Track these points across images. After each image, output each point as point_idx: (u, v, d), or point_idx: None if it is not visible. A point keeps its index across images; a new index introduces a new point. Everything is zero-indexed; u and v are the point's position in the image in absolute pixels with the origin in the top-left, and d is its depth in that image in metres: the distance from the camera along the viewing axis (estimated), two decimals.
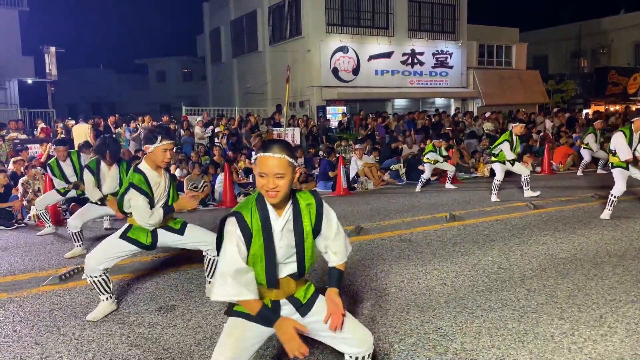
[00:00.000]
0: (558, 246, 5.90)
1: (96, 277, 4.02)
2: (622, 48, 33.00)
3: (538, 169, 13.85)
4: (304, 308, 2.49)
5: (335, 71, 20.83)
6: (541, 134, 16.90)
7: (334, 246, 2.50)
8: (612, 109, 26.40)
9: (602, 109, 26.68)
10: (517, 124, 9.41)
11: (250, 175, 11.36)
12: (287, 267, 2.44)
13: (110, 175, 6.05)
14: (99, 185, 6.02)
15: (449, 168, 10.96)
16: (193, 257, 5.79)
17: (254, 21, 23.82)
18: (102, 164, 6.04)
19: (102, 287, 4.07)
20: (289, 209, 2.39)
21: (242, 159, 12.11)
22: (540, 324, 3.72)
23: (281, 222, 2.38)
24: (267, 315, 2.34)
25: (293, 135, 14.17)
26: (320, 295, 2.55)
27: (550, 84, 27.95)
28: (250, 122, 15.05)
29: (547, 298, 4.24)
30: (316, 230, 2.45)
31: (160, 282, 4.97)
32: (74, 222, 6.01)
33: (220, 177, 10.11)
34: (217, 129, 14.55)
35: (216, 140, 14.08)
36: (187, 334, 3.72)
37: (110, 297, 4.15)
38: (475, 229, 6.90)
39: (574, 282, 4.63)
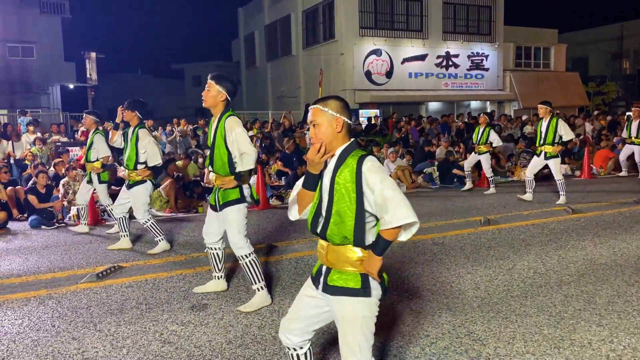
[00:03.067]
0: (597, 251, 5.71)
1: (247, 256, 4.26)
2: None
3: (577, 172, 13.46)
4: (324, 287, 2.40)
5: (368, 74, 20.78)
6: (581, 137, 16.43)
7: (379, 210, 2.22)
8: None
9: None
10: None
11: (283, 178, 11.43)
12: (320, 226, 2.40)
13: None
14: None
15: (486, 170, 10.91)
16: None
17: (288, 25, 24.01)
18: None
19: (255, 271, 4.24)
20: (332, 162, 2.34)
21: (274, 161, 12.20)
22: (578, 330, 3.61)
23: (326, 174, 2.36)
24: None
25: None
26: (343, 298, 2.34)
27: (591, 86, 27.17)
28: (283, 125, 15.15)
29: (585, 304, 4.10)
30: (359, 194, 2.23)
31: (194, 281, 5.04)
32: (119, 209, 6.26)
33: (253, 180, 10.20)
34: (250, 133, 14.71)
35: None
36: (218, 332, 3.76)
37: (263, 287, 4.25)
38: (511, 233, 6.75)
39: (614, 288, 4.47)
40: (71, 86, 23.93)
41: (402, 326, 3.76)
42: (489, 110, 22.86)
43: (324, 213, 2.35)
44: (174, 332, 3.79)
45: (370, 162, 2.26)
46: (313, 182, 2.39)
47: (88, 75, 22.01)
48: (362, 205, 2.25)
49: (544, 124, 8.89)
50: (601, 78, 28.72)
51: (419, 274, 5.04)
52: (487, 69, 23.10)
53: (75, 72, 24.16)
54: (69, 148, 11.96)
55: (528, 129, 16.99)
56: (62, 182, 9.09)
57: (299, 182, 2.50)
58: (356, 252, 2.31)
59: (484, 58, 23.00)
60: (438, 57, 22.06)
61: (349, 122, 2.38)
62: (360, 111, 19.97)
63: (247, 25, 29.18)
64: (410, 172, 12.06)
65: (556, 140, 8.77)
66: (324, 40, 21.78)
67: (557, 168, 8.92)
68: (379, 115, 19.49)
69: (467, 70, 22.75)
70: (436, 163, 12.89)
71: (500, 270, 5.12)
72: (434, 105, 23.42)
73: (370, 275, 2.28)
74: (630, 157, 12.52)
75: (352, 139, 2.39)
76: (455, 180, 12.15)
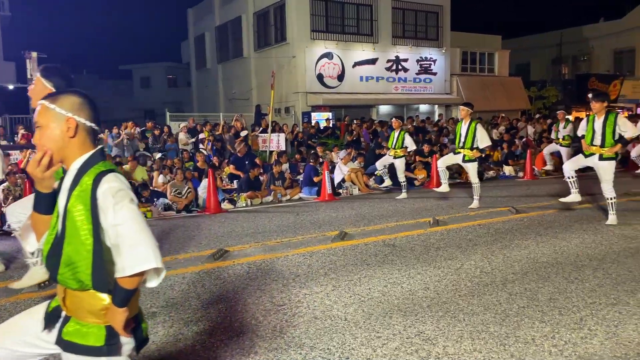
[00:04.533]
0: (540, 250, 5.96)
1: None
2: (601, 55, 33.59)
3: (520, 174, 14.00)
4: (58, 339, 1.89)
5: (320, 77, 20.88)
6: (523, 139, 17.10)
7: (114, 250, 1.79)
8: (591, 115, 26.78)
9: (583, 115, 27.05)
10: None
11: (235, 181, 11.32)
12: (51, 266, 1.86)
13: None
14: None
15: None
16: (172, 265, 5.76)
17: (239, 27, 23.82)
18: None
19: None
20: (68, 180, 1.84)
21: (226, 164, 12.07)
22: (522, 327, 3.75)
23: (61, 196, 1.85)
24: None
25: (278, 141, 14.15)
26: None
27: (532, 91, 28.32)
28: (235, 128, 15.01)
29: (528, 301, 4.27)
30: (95, 226, 1.77)
31: (141, 289, 4.90)
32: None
33: (204, 183, 10.05)
34: (201, 135, 14.49)
35: (200, 146, 14.01)
36: (167, 341, 3.68)
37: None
38: (459, 234, 6.94)
39: (555, 285, 4.67)
40: (11, 87, 22.81)
41: (354, 328, 3.79)
42: (437, 114, 23.46)
43: (56, 248, 1.83)
44: None
45: (107, 184, 1.76)
46: (45, 204, 1.87)
47: (29, 76, 20.99)
48: (99, 241, 1.78)
49: (464, 126, 8.86)
50: (542, 83, 29.97)
51: (371, 276, 5.10)
52: (435, 73, 23.69)
53: (16, 73, 23.08)
54: (9, 152, 11.38)
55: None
56: (1, 187, 8.66)
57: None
58: (101, 299, 1.83)
59: (432, 62, 23.57)
60: (388, 61, 22.44)
61: (90, 124, 1.89)
62: (313, 114, 20.05)
63: (197, 26, 28.74)
64: (362, 174, 12.21)
65: (474, 146, 8.74)
66: (276, 42, 21.74)
67: (474, 172, 8.95)
68: (331, 118, 19.63)
69: (416, 74, 23.26)
70: (387, 165, 13.09)
71: (448, 270, 5.25)
72: (384, 108, 23.79)
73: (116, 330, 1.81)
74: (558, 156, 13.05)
75: (97, 148, 1.89)
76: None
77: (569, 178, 7.52)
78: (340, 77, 21.39)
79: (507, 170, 14.26)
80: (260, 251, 6.29)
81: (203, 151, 13.28)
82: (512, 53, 28.26)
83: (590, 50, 34.22)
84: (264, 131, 15.09)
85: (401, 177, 10.71)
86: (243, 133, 14.54)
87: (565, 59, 34.58)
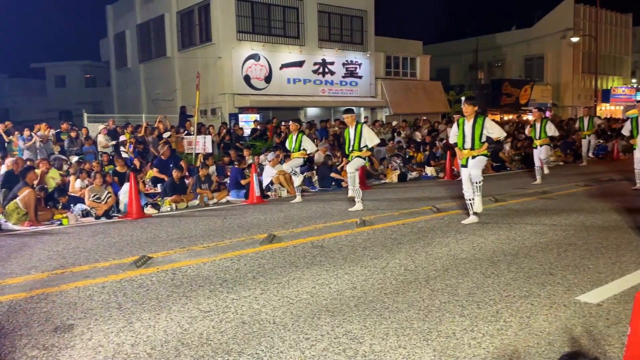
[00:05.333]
0: (459, 247, 6.23)
1: None
2: (514, 62, 35.80)
3: (441, 174, 14.59)
4: None
5: (247, 79, 20.71)
6: (444, 141, 17.83)
7: None
8: (506, 118, 28.46)
9: (497, 118, 28.67)
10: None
11: (159, 185, 10.96)
12: None
13: None
14: None
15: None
16: (90, 274, 5.49)
17: (162, 26, 23.13)
18: None
19: None
20: None
21: (149, 168, 11.66)
22: (443, 322, 3.90)
23: None
24: None
25: (204, 143, 13.86)
26: None
27: (452, 94, 29.65)
28: (158, 130, 14.54)
29: (449, 297, 4.45)
30: None
31: (57, 300, 4.63)
32: None
33: (126, 187, 9.65)
34: (122, 137, 13.91)
35: (121, 148, 13.44)
36: (86, 354, 3.49)
37: None
38: (384, 233, 7.12)
39: (474, 280, 4.91)
40: None
41: (283, 331, 3.79)
42: (362, 116, 23.96)
43: None
44: (35, 358, 3.45)
45: None
46: None
47: None
48: None
49: (351, 130, 9.11)
50: (460, 87, 31.48)
51: (299, 278, 5.11)
52: (360, 77, 24.20)
53: None
54: None
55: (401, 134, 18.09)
56: None
57: None
58: None
59: (358, 66, 24.06)
60: (315, 64, 22.65)
61: None
62: (240, 115, 19.84)
63: (117, 23, 27.58)
64: (291, 176, 12.21)
65: (362, 146, 8.98)
66: (201, 42, 21.31)
67: (354, 164, 9.09)
68: (259, 119, 19.51)
69: (343, 77, 23.63)
70: (315, 167, 13.21)
71: (375, 269, 5.37)
72: (312, 111, 23.99)
73: None
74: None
75: None
76: (333, 183, 12.54)
77: (468, 201, 7.66)
78: (268, 79, 21.32)
79: (429, 171, 14.82)
80: (185, 257, 6.13)
81: (124, 154, 12.75)
82: (433, 58, 29.44)
83: (503, 57, 36.34)
84: (190, 133, 14.74)
85: (298, 181, 10.57)
86: (166, 135, 14.11)
87: (481, 65, 36.53)
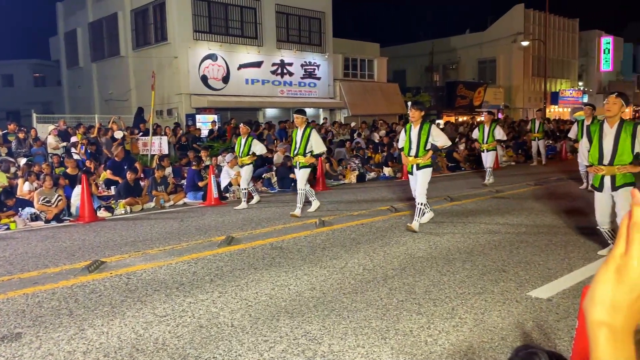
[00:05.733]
0: (416, 246, 6.34)
1: None
2: (468, 64, 36.70)
3: (399, 174, 14.80)
4: None
5: (204, 79, 20.41)
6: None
7: None
8: (460, 119, 29.15)
9: (452, 119, 29.32)
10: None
11: (113, 187, 10.66)
12: None
13: None
14: None
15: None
16: (40, 280, 5.29)
17: (115, 24, 22.51)
18: None
19: None
20: None
21: (102, 169, 11.33)
22: (401, 320, 3.96)
23: None
24: None
25: (160, 144, 13.58)
26: None
27: (408, 96, 30.11)
28: (112, 131, 14.14)
29: (406, 295, 4.52)
30: None
31: (4, 308, 4.43)
32: None
33: (78, 190, 9.33)
34: (73, 138, 13.46)
35: (73, 150, 13.00)
36: None
37: None
38: (343, 233, 7.16)
39: (430, 278, 5.00)
40: None
41: (241, 334, 3.75)
42: (321, 117, 24.04)
43: None
44: None
45: None
46: None
47: None
48: None
49: (299, 132, 8.65)
50: (416, 89, 31.99)
51: (258, 280, 5.07)
52: (319, 78, 24.25)
53: None
54: None
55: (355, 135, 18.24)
56: None
57: None
58: None
59: (316, 67, 24.10)
60: (273, 64, 22.54)
61: None
62: (197, 116, 19.53)
63: (68, 21, 26.64)
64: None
65: (308, 151, 8.54)
66: (156, 42, 20.86)
67: (303, 178, 8.67)
68: (217, 120, 19.26)
69: (301, 78, 23.62)
70: (274, 168, 13.16)
71: (334, 269, 5.39)
72: (271, 112, 23.87)
73: None
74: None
75: None
76: (292, 184, 12.51)
77: (419, 204, 7.20)
78: (225, 79, 21.08)
79: (387, 171, 14.99)
80: (140, 260, 5.98)
81: (76, 155, 12.33)
82: (390, 60, 29.83)
83: (457, 60, 37.21)
84: (145, 134, 14.41)
85: (245, 183, 10.01)
86: (119, 135, 13.73)
87: (437, 67, 37.27)
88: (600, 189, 5.37)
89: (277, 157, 13.75)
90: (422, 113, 7.15)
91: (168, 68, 20.07)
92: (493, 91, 33.34)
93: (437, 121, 26.93)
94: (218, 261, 5.84)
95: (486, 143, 12.09)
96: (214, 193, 10.55)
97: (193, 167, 11.26)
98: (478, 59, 36.27)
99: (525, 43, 32.36)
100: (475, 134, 12.86)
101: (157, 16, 20.75)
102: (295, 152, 8.66)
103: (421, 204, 7.11)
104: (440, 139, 7.14)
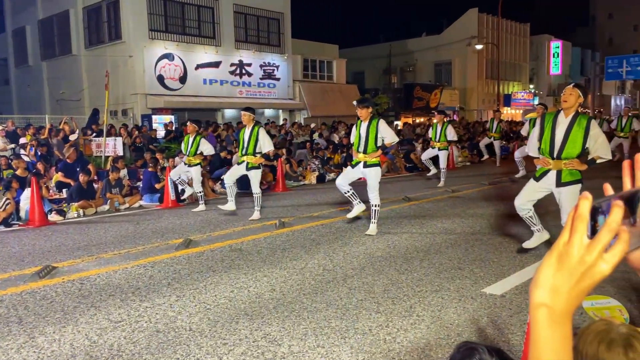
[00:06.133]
0: (375, 245, 6.41)
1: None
2: (424, 67, 37.41)
3: None
4: None
5: (160, 79, 20.03)
6: None
7: None
8: (417, 120, 29.67)
9: (410, 120, 29.82)
10: None
11: (65, 190, 10.31)
12: None
13: None
14: None
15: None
16: None
17: (67, 22, 21.80)
18: None
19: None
20: None
21: (54, 172, 10.95)
22: (360, 319, 3.99)
23: None
24: None
25: (115, 145, 13.22)
26: None
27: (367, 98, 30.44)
28: (64, 132, 13.67)
29: (365, 294, 4.56)
30: None
31: None
32: None
33: (27, 193, 8.98)
34: (22, 140, 12.94)
35: (22, 151, 12.50)
36: None
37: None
38: (303, 234, 7.16)
39: (389, 277, 5.06)
40: None
41: (199, 338, 3.69)
42: (281, 118, 23.99)
43: None
44: None
45: None
46: None
47: None
48: None
49: (247, 132, 8.39)
50: (375, 91, 32.36)
51: (217, 282, 5.02)
52: (278, 79, 24.19)
53: None
54: None
55: (315, 136, 18.29)
56: None
57: None
58: None
59: (275, 68, 24.04)
60: (232, 64, 22.34)
61: None
62: (154, 117, 19.12)
63: (16, 18, 25.60)
64: (208, 178, 11.96)
65: (257, 151, 8.33)
66: (110, 40, 20.32)
67: (256, 181, 8.43)
68: (173, 121, 18.91)
69: (260, 79, 23.51)
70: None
71: (294, 270, 5.39)
72: (230, 112, 23.63)
73: None
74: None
75: None
76: None
77: (345, 193, 7.31)
78: (183, 79, 20.75)
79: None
80: (94, 265, 5.81)
81: (25, 157, 11.86)
82: (349, 62, 30.08)
83: (414, 62, 37.88)
84: (99, 135, 14.01)
85: (197, 186, 9.69)
86: (72, 137, 13.30)
87: (394, 70, 37.83)
88: (538, 179, 5.28)
89: (236, 158, 13.62)
90: (370, 110, 6.97)
91: (123, 67, 19.59)
92: (449, 93, 34.11)
93: (395, 122, 27.33)
94: (176, 264, 5.74)
95: (438, 142, 12.20)
96: (171, 195, 10.36)
97: (149, 169, 11.02)
98: (434, 61, 37.03)
99: (479, 46, 33.26)
100: (430, 132, 13.05)
101: (111, 14, 20.22)
102: (244, 152, 8.36)
103: (376, 206, 7.08)
104: (388, 134, 7.01)
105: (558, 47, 42.13)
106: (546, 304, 0.62)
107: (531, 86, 41.54)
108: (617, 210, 0.58)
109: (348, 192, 7.29)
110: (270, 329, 3.82)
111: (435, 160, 12.72)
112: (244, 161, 8.43)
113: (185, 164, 9.62)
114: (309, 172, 14.20)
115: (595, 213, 0.60)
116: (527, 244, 5.72)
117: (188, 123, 9.92)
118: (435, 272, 5.20)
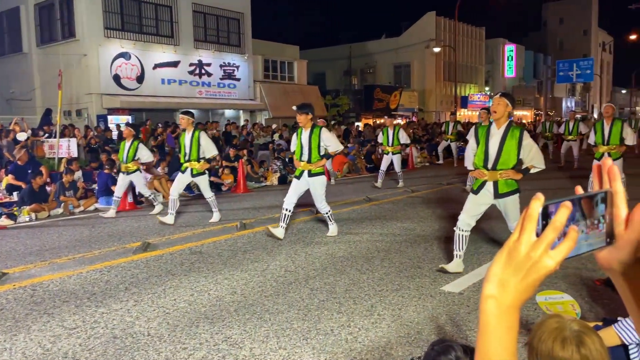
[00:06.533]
0: (337, 246, 6.44)
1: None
2: (384, 68, 37.88)
3: None
4: None
5: (117, 78, 19.53)
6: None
7: None
8: (378, 122, 30.00)
9: (370, 122, 30.12)
10: None
11: (16, 193, 9.91)
12: None
13: None
14: None
15: None
16: None
17: (17, 19, 20.99)
18: None
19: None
20: None
21: (4, 174, 10.51)
22: (322, 320, 4.00)
23: None
24: None
25: (69, 146, 12.79)
26: None
27: (328, 99, 30.56)
28: (14, 132, 13.14)
29: (327, 295, 4.58)
30: None
31: None
32: None
33: None
34: None
35: None
36: None
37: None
38: (265, 236, 7.11)
39: (350, 277, 5.10)
40: None
41: (158, 343, 3.62)
42: (242, 119, 23.80)
43: None
44: None
45: None
46: None
47: None
48: None
49: (188, 136, 7.90)
50: (336, 92, 32.53)
51: (177, 286, 4.93)
52: (238, 79, 23.99)
53: None
54: None
55: (276, 137, 18.23)
56: None
57: None
58: None
59: (236, 68, 23.83)
60: (191, 64, 22.01)
61: None
62: (110, 117, 18.62)
63: None
64: (167, 180, 11.74)
65: (201, 156, 7.89)
66: (63, 38, 19.67)
67: (205, 186, 8.18)
68: (130, 122, 18.47)
69: (220, 79, 23.26)
70: None
71: (255, 272, 5.35)
72: None
73: None
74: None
75: None
76: (212, 187, 12.27)
77: (284, 210, 6.82)
78: (140, 79, 20.31)
79: None
80: (47, 270, 5.61)
81: None
82: (309, 63, 30.13)
83: (374, 64, 38.30)
84: (51, 135, 13.54)
85: (145, 191, 9.52)
86: (20, 136, 12.77)
87: (355, 71, 38.12)
88: (476, 192, 5.08)
89: None
90: (310, 116, 6.60)
91: (77, 66, 19.01)
92: (408, 95, 34.63)
93: (356, 123, 27.54)
94: (133, 268, 5.60)
95: (391, 146, 11.93)
96: (129, 197, 10.11)
97: (105, 171, 10.72)
98: (394, 63, 37.54)
99: (437, 49, 33.91)
100: (380, 137, 12.58)
101: (64, 11, 19.59)
102: (186, 158, 7.90)
103: (328, 212, 6.92)
104: (331, 143, 6.68)
105: (512, 50, 43.43)
106: (494, 296, 0.66)
107: (487, 88, 42.66)
108: (564, 211, 0.62)
109: (288, 210, 6.78)
110: (231, 332, 3.78)
111: (390, 167, 12.24)
112: (187, 168, 7.98)
113: (122, 172, 9.11)
114: (271, 173, 14.15)
115: (546, 213, 0.63)
116: (446, 266, 5.21)
117: (124, 127, 9.34)
118: (396, 272, 5.27)
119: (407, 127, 26.12)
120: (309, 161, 6.67)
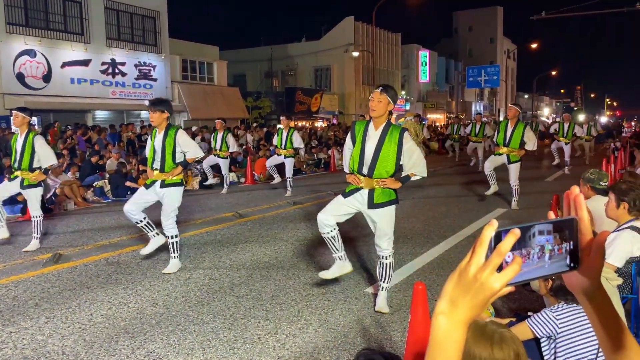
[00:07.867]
0: (262, 251, 6.40)
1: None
2: (305, 71, 38.16)
3: (242, 179, 14.82)
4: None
5: (20, 77, 18.22)
6: (244, 147, 18.16)
7: None
8: (300, 124, 30.19)
9: (292, 124, 30.25)
10: None
11: None
12: None
13: None
14: None
15: None
16: None
17: None
18: None
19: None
20: None
21: None
22: (249, 328, 3.96)
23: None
24: None
25: None
26: None
27: (249, 101, 30.32)
28: None
29: (254, 302, 4.54)
30: None
31: None
32: None
33: None
34: None
35: None
36: None
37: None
38: (187, 243, 6.92)
39: (276, 283, 5.08)
40: None
41: None
42: None
43: None
44: None
45: None
46: None
47: None
48: None
49: (20, 139, 6.63)
50: (257, 94, 32.35)
51: (93, 300, 4.67)
52: (155, 79, 23.19)
53: None
54: None
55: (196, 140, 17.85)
56: None
57: None
58: None
59: (152, 68, 23.02)
60: (103, 63, 20.98)
61: None
62: (13, 119, 17.32)
63: None
64: (78, 186, 11.10)
65: (35, 165, 6.58)
66: None
67: (35, 202, 6.70)
68: (36, 123, 17.27)
69: (135, 79, 22.36)
70: (107, 175, 12.23)
71: (177, 281, 5.19)
72: (102, 114, 22.16)
73: None
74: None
75: None
76: (128, 192, 11.77)
77: (137, 223, 5.68)
78: (47, 78, 19.07)
79: (230, 176, 14.90)
80: None
81: None
82: (230, 64, 29.72)
83: (295, 66, 38.49)
84: None
85: (37, 211, 7.43)
86: None
87: (276, 73, 38.10)
88: (346, 196, 4.37)
89: (110, 164, 12.82)
90: (165, 115, 5.45)
91: None
92: (329, 98, 35.13)
93: (278, 126, 27.57)
94: (44, 282, 5.24)
95: (284, 149, 11.20)
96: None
97: (7, 177, 9.94)
98: (314, 66, 37.93)
99: (355, 53, 34.69)
100: (275, 139, 11.94)
101: None
102: (17, 165, 6.65)
103: (174, 237, 5.62)
104: (190, 149, 5.59)
105: (426, 56, 45.36)
106: (444, 313, 0.73)
107: (403, 92, 44.21)
108: (510, 237, 0.68)
109: (141, 221, 5.63)
110: (153, 346, 3.65)
111: (281, 168, 11.58)
112: (17, 177, 6.60)
113: (61, 173, 7.98)
114: (191, 177, 13.80)
115: (499, 239, 0.69)
116: (323, 274, 4.51)
117: (51, 129, 8.19)
118: None
119: (328, 129, 26.53)
120: (161, 170, 5.48)
